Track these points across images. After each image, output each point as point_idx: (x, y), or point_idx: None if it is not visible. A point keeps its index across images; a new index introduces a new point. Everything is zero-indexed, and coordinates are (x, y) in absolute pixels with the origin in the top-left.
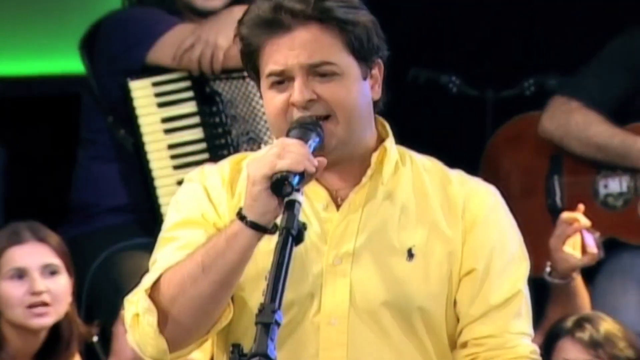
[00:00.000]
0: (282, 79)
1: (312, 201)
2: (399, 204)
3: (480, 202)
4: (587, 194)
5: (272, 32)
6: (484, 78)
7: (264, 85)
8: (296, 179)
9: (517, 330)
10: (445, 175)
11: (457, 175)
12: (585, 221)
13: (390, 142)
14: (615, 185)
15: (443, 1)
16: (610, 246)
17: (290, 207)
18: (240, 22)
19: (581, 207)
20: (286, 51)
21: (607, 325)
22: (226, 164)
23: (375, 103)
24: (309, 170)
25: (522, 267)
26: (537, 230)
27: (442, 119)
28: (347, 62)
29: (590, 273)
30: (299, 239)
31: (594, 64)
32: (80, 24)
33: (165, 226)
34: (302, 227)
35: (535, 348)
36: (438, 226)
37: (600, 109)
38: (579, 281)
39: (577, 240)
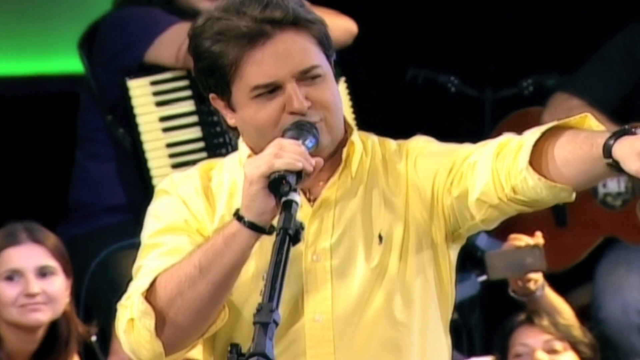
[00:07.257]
0: (271, 89)
1: None
2: (366, 193)
3: (411, 148)
4: (587, 192)
5: (250, 44)
6: (483, 78)
7: (244, 97)
8: (293, 178)
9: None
10: (392, 149)
11: (398, 142)
12: (529, 242)
13: (355, 135)
14: (613, 185)
15: (442, 1)
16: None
17: (288, 207)
18: (203, 37)
19: (538, 233)
20: (274, 61)
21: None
22: (195, 173)
23: None
24: (307, 170)
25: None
26: (538, 227)
27: (440, 118)
28: (324, 62)
29: (596, 255)
30: (296, 238)
31: (595, 61)
32: (79, 23)
33: (146, 234)
34: (300, 227)
35: None
36: (394, 203)
37: (602, 107)
38: (547, 294)
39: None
